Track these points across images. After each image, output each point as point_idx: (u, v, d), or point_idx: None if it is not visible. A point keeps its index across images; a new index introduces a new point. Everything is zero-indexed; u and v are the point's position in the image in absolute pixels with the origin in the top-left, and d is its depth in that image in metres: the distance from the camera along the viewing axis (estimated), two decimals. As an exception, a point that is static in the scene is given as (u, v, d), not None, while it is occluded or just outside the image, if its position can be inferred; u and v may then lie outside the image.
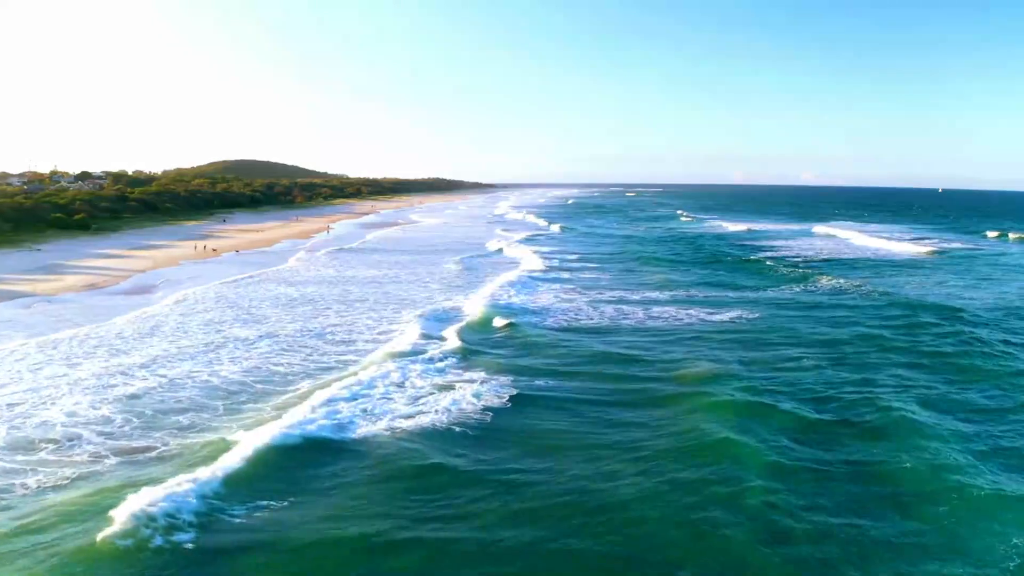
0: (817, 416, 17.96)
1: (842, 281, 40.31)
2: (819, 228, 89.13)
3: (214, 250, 58.46)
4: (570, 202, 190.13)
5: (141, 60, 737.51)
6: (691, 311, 32.10)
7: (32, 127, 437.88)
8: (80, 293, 36.34)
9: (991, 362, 22.95)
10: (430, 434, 16.89)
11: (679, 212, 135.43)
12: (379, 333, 27.31)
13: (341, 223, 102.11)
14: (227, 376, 21.23)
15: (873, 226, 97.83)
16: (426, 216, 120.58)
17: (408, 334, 26.24)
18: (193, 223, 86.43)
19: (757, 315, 30.96)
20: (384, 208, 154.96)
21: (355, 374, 21.09)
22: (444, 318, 29.52)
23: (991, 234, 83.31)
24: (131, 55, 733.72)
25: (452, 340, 25.24)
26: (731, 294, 37.06)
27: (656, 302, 34.46)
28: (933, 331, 27.34)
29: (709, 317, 30.77)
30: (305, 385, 20.55)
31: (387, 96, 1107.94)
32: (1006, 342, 25.75)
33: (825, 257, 56.91)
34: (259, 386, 20.49)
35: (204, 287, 38.00)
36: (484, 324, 28.54)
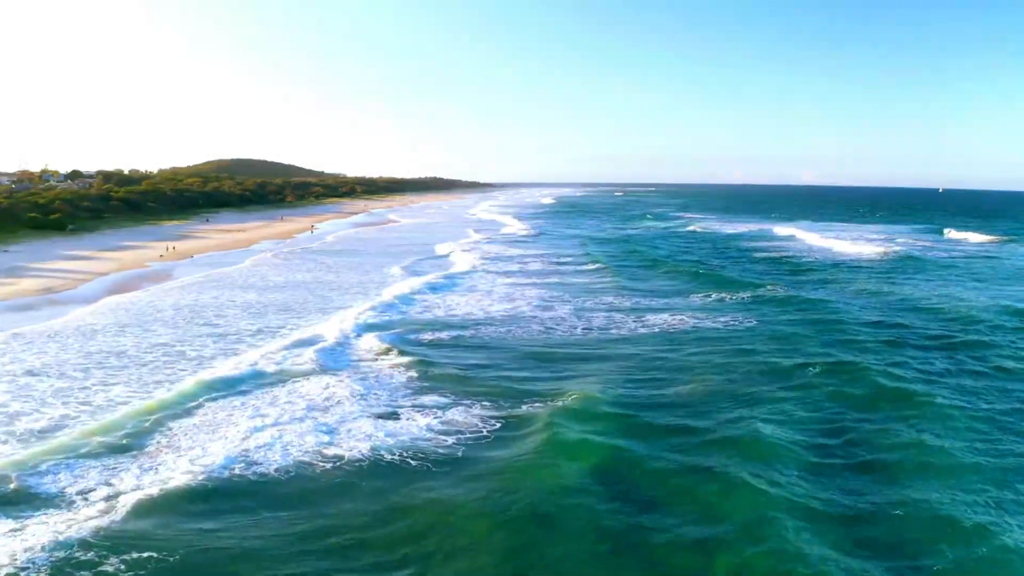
0: (681, 464, 15.99)
1: (766, 291, 38.23)
2: (780, 228, 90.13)
3: (173, 248, 58.36)
4: (554, 202, 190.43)
5: (143, 60, 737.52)
6: (597, 322, 30.71)
7: (33, 127, 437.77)
8: (33, 298, 35.48)
9: (885, 393, 20.64)
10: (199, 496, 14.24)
11: (651, 212, 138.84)
12: (239, 350, 25.31)
13: (327, 222, 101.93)
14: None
15: (838, 226, 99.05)
16: (406, 216, 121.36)
17: (260, 353, 24.42)
18: (174, 223, 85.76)
19: (665, 328, 29.52)
20: (375, 207, 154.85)
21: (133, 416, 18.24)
22: (325, 333, 27.64)
23: (956, 235, 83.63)
24: (133, 55, 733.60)
25: (308, 362, 23.38)
26: (653, 302, 35.70)
27: (571, 310, 33.21)
28: (843, 349, 25.62)
29: (616, 330, 29.17)
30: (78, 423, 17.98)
31: (388, 96, 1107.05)
32: (913, 370, 23.44)
33: (773, 257, 58.01)
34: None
35: (137, 294, 37.50)
36: (359, 339, 26.67)
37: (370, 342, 26.25)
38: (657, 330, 29.17)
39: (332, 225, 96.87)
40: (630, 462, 16.11)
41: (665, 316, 31.78)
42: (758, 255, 60.21)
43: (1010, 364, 24.13)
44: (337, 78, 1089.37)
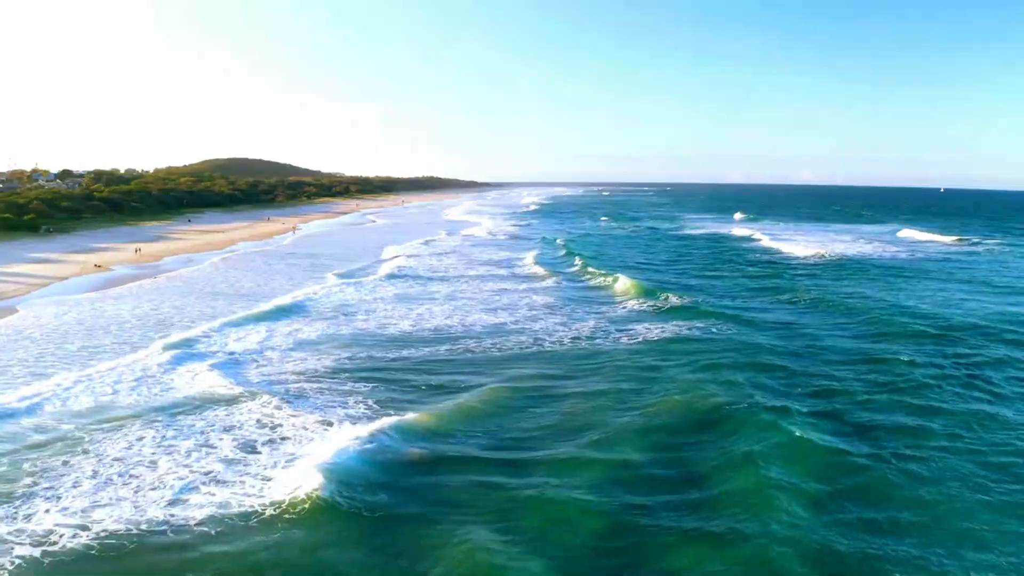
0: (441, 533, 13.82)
1: (681, 299, 36.51)
2: (741, 229, 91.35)
3: (139, 250, 57.51)
4: (538, 202, 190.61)
5: (147, 60, 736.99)
6: (488, 337, 28.91)
7: (37, 127, 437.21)
8: (-23, 303, 34.27)
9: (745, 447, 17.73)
10: None
11: (622, 212, 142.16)
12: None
13: (313, 223, 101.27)
14: None
15: (803, 226, 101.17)
16: (388, 217, 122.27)
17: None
18: (154, 224, 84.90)
19: (560, 340, 28.34)
20: (367, 207, 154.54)
21: None
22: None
23: (916, 236, 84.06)
24: (136, 55, 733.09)
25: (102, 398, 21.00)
26: (567, 312, 34.36)
27: (466, 322, 31.74)
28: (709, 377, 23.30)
29: (509, 344, 27.75)
30: None
31: (389, 96, 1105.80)
32: (794, 402, 21.05)
33: (710, 262, 58.11)
34: None
35: (74, 297, 37.11)
36: (179, 366, 24.22)
37: (193, 368, 23.93)
38: (546, 347, 27.56)
39: (316, 226, 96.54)
40: (402, 524, 14.11)
41: (568, 328, 30.66)
42: (699, 258, 60.47)
43: (893, 386, 22.42)
44: (339, 78, 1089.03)
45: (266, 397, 20.88)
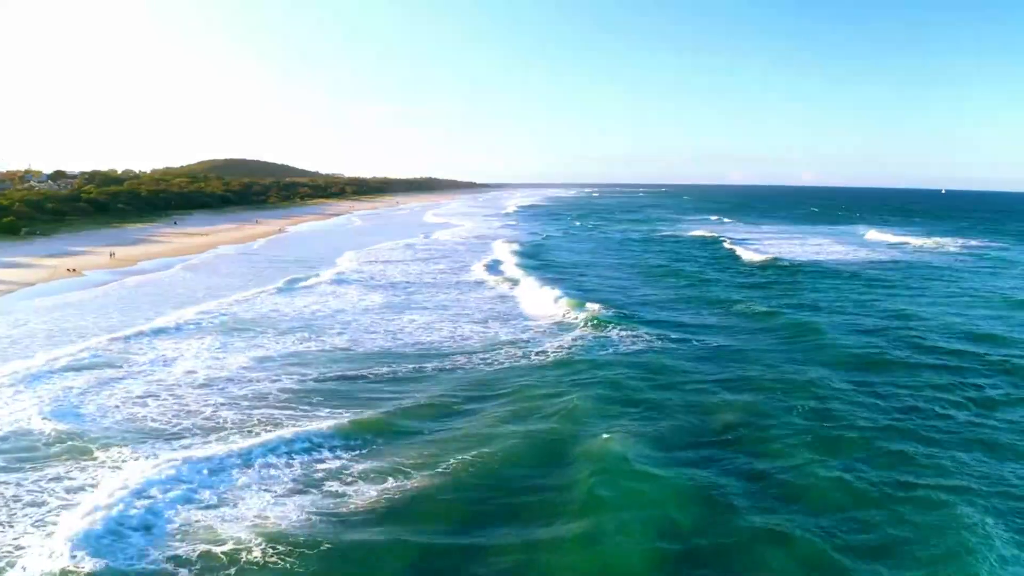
0: None
1: (609, 311, 35.31)
2: (711, 231, 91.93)
3: (114, 255, 57.58)
4: (528, 202, 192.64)
5: (149, 60, 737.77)
6: (394, 359, 26.91)
7: (33, 127, 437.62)
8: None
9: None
10: None
11: (597, 214, 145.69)
12: None
13: (304, 224, 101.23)
14: None
15: (778, 228, 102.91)
16: (371, 219, 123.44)
17: None
18: (139, 226, 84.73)
19: (465, 361, 26.78)
20: (360, 209, 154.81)
21: None
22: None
23: (891, 238, 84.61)
24: (138, 56, 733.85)
25: None
26: (476, 330, 32.18)
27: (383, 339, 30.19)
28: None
29: (414, 363, 26.12)
30: None
31: (390, 97, 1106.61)
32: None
33: (661, 270, 57.38)
34: None
35: (32, 304, 36.93)
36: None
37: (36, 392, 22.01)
38: (449, 366, 26.15)
39: (304, 227, 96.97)
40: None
41: (479, 343, 29.45)
42: (651, 263, 59.71)
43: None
44: (339, 78, 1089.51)
45: (94, 431, 18.87)
